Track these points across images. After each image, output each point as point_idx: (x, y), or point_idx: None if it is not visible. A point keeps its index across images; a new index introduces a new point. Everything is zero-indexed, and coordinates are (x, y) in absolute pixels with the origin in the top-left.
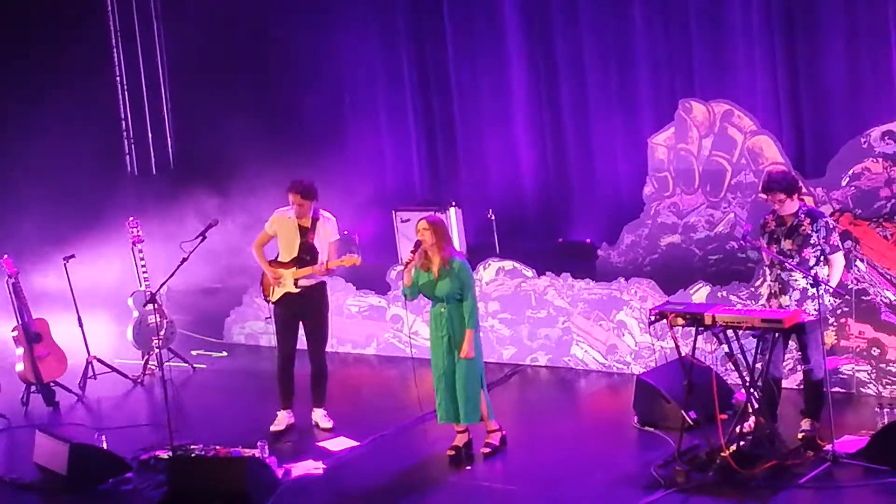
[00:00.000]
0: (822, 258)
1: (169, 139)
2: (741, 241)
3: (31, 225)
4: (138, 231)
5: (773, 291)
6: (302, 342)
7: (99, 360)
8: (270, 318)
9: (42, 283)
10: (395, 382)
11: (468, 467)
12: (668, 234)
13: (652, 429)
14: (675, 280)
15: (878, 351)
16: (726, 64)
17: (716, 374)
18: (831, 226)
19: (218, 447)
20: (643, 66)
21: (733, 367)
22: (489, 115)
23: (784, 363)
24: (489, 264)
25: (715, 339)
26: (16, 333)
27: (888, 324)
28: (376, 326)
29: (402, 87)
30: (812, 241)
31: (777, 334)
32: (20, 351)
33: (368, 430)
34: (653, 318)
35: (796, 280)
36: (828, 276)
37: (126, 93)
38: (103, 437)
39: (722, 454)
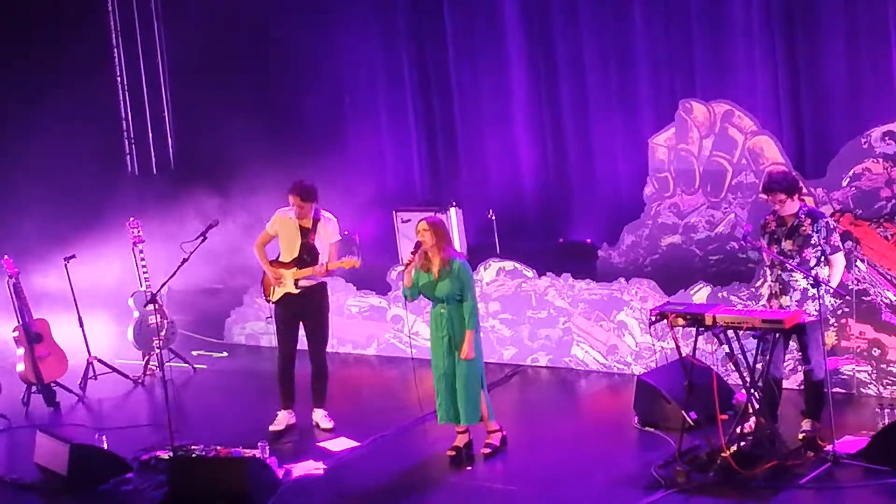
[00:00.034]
0: (822, 259)
1: (169, 139)
2: (742, 242)
3: (32, 225)
4: (139, 231)
5: (773, 292)
6: (302, 342)
7: (99, 361)
8: (271, 317)
9: (43, 283)
10: (395, 383)
11: (468, 468)
12: (669, 235)
13: (652, 429)
14: (675, 280)
15: (879, 351)
16: (727, 64)
17: (716, 375)
18: (832, 226)
19: (218, 447)
20: (643, 66)
21: (734, 368)
22: (489, 116)
23: (784, 364)
24: (490, 265)
25: (715, 340)
26: (16, 334)
27: (889, 324)
28: (377, 327)
29: (402, 88)
30: (812, 242)
31: (777, 335)
32: (21, 351)
33: (369, 431)
34: (653, 318)
35: (797, 280)
36: (828, 276)
37: (126, 93)
38: (104, 438)
39: (722, 454)
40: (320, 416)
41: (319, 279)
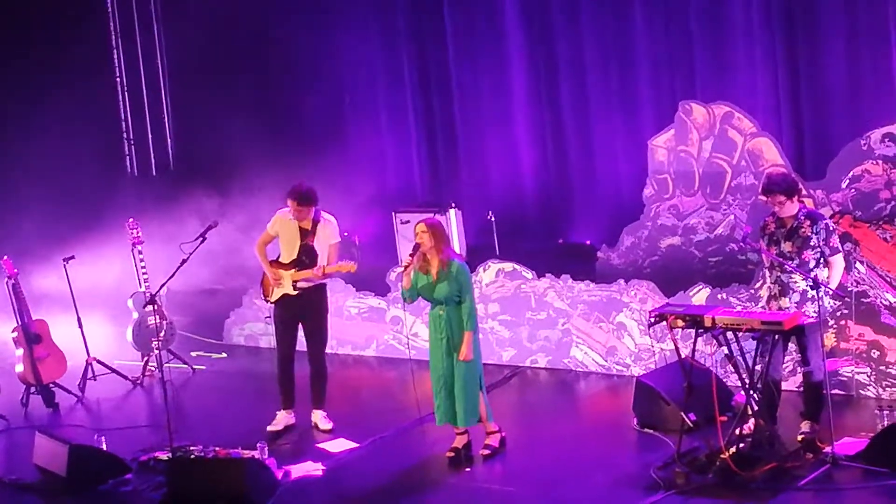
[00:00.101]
0: (821, 260)
1: (169, 140)
2: (741, 243)
3: (32, 225)
4: (138, 232)
5: (772, 293)
6: (301, 343)
7: (98, 362)
8: (270, 317)
9: (42, 284)
10: (394, 384)
11: (467, 469)
12: (668, 236)
13: (651, 430)
14: (674, 282)
15: (878, 353)
16: (726, 64)
17: (715, 376)
18: (831, 228)
19: (217, 448)
20: (643, 66)
21: (733, 369)
22: (490, 116)
23: (784, 365)
24: (489, 266)
25: (714, 341)
26: (15, 335)
27: (888, 326)
28: (376, 328)
29: (402, 88)
30: (812, 244)
31: (777, 336)
32: (20, 352)
33: (368, 432)
34: (652, 319)
35: (796, 282)
36: (828, 278)
37: (126, 93)
38: (103, 439)
39: (721, 456)
40: (319, 418)
41: (317, 281)
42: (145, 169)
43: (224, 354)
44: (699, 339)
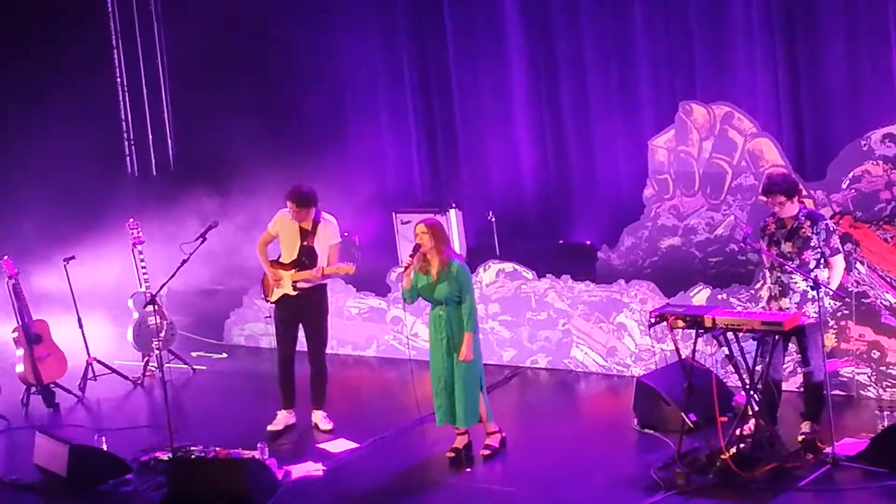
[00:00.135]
0: (822, 261)
1: (169, 140)
2: (741, 244)
3: (32, 226)
4: (139, 232)
5: (773, 294)
6: (302, 344)
7: (99, 362)
8: (270, 317)
9: (42, 284)
10: (395, 384)
11: (468, 469)
12: (669, 237)
13: (652, 431)
14: (675, 282)
15: (878, 354)
16: (727, 65)
17: (716, 377)
18: (831, 228)
19: (218, 449)
20: (644, 66)
21: (733, 370)
22: (490, 116)
23: (784, 366)
24: (489, 266)
25: (715, 342)
26: (16, 335)
27: (888, 326)
28: (376, 328)
29: (402, 88)
30: (812, 244)
31: (777, 337)
32: (20, 352)
33: (368, 432)
34: (653, 320)
35: (796, 283)
36: (828, 278)
37: (126, 94)
38: (103, 439)
39: (722, 457)
40: (319, 418)
41: (317, 282)
42: (146, 169)
43: (224, 355)
44: (699, 339)
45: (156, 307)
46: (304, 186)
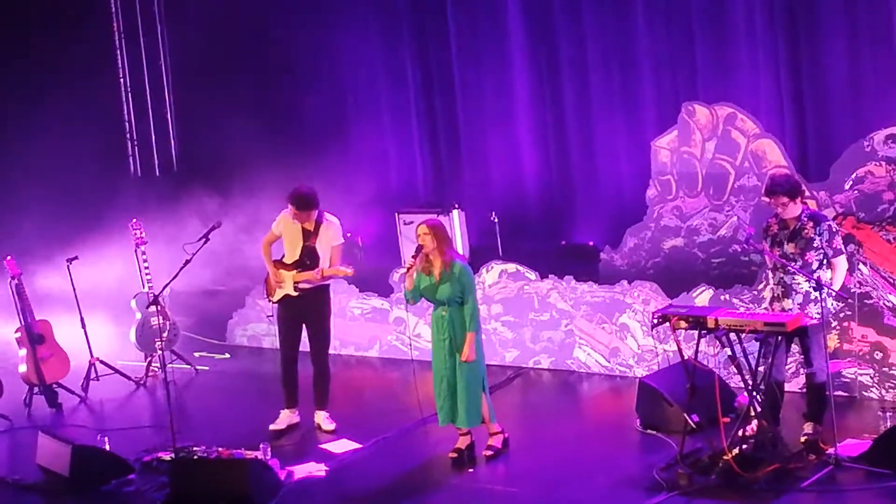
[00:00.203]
0: (824, 262)
1: (172, 141)
2: (744, 245)
3: (33, 226)
4: (142, 233)
5: (775, 295)
6: (305, 344)
7: (102, 362)
8: (272, 316)
9: (45, 284)
10: (397, 385)
11: (470, 469)
12: (671, 238)
13: (654, 432)
14: (677, 283)
15: (881, 354)
16: (729, 65)
17: (718, 378)
18: (834, 229)
19: (220, 449)
20: (646, 67)
21: (736, 371)
22: (492, 116)
23: (787, 367)
24: (492, 267)
25: (718, 343)
26: (19, 335)
27: (891, 327)
28: (379, 329)
29: (405, 88)
30: (815, 245)
31: (780, 338)
32: (23, 352)
33: (371, 433)
34: (655, 321)
35: (799, 283)
36: (831, 279)
37: (129, 94)
38: (106, 439)
39: (724, 457)
40: (322, 418)
41: (318, 283)
42: (148, 169)
43: (227, 355)
44: (702, 340)
45: (159, 307)
46: (305, 188)
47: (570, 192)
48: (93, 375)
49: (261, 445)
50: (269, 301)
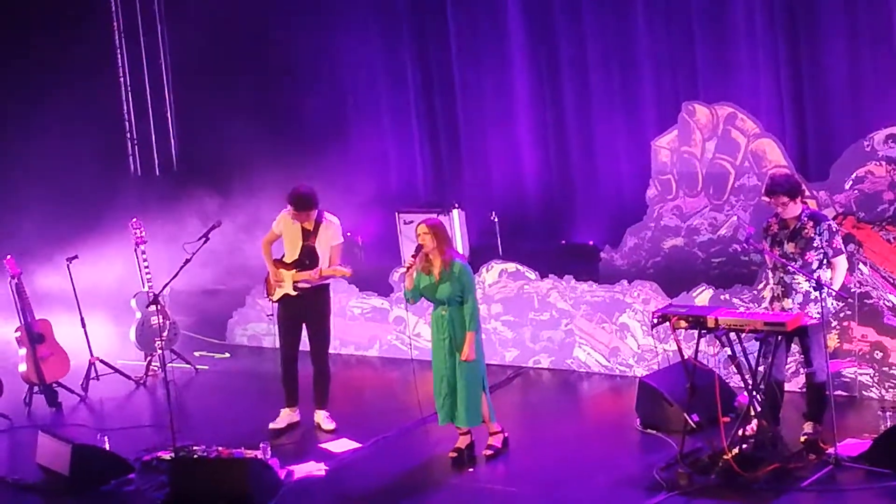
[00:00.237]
0: (825, 261)
1: (172, 140)
2: (744, 244)
3: (33, 225)
4: (142, 232)
5: (775, 294)
6: (305, 344)
7: (102, 361)
8: (272, 315)
9: (45, 283)
10: (397, 384)
11: (470, 469)
12: (671, 237)
13: (654, 431)
14: (678, 283)
15: (881, 354)
16: (729, 65)
17: (718, 377)
18: (834, 229)
19: (220, 448)
20: (646, 67)
21: (736, 370)
22: (492, 116)
23: (786, 366)
24: (492, 266)
25: (717, 342)
26: (19, 334)
27: (891, 327)
28: (379, 328)
29: (405, 88)
30: (815, 245)
31: (780, 337)
32: (23, 352)
33: (371, 432)
34: (655, 320)
35: (799, 283)
36: (831, 279)
37: (130, 94)
38: (106, 438)
39: (724, 457)
40: (322, 418)
41: (317, 283)
42: (148, 169)
43: (227, 354)
44: (702, 339)
45: (158, 307)
46: (304, 188)
47: (570, 192)
48: (93, 375)
49: (261, 445)
50: (269, 300)
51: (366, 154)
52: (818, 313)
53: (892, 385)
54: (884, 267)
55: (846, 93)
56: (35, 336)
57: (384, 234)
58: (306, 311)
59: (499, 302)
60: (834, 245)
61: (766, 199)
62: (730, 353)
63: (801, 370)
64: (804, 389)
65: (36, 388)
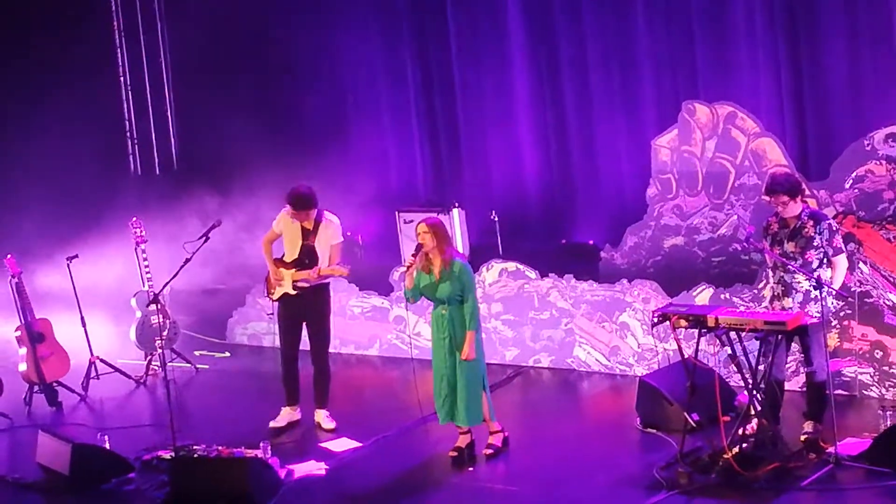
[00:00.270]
0: (825, 260)
1: (172, 139)
2: (744, 244)
3: (35, 225)
4: (142, 231)
5: (776, 294)
6: (305, 343)
7: (102, 361)
8: (273, 314)
9: (45, 283)
10: (397, 383)
11: (470, 468)
12: (672, 236)
13: (654, 430)
14: (678, 282)
15: (881, 353)
16: (729, 65)
17: (718, 376)
18: (834, 228)
19: (220, 447)
20: (646, 66)
21: (736, 370)
22: (492, 115)
23: (787, 365)
24: (492, 265)
25: (718, 342)
26: (19, 333)
27: (891, 326)
28: (379, 327)
29: (405, 87)
30: (815, 244)
31: (780, 336)
32: (23, 351)
33: (371, 431)
34: (656, 319)
35: (799, 282)
36: (831, 278)
37: (130, 92)
38: (106, 438)
39: (724, 456)
40: (322, 417)
41: (316, 282)
42: (149, 168)
43: (227, 354)
44: (702, 339)
45: (159, 306)
46: (303, 188)
47: (570, 191)
48: (93, 374)
49: (261, 444)
50: (270, 299)
51: (366, 153)
52: (818, 312)
53: (893, 384)
54: (884, 266)
55: (846, 92)
56: (35, 335)
57: (384, 233)
58: (306, 310)
59: (499, 301)
60: (834, 244)
61: (767, 198)
62: (730, 352)
63: (802, 369)
64: (804, 388)
65: (36, 388)
